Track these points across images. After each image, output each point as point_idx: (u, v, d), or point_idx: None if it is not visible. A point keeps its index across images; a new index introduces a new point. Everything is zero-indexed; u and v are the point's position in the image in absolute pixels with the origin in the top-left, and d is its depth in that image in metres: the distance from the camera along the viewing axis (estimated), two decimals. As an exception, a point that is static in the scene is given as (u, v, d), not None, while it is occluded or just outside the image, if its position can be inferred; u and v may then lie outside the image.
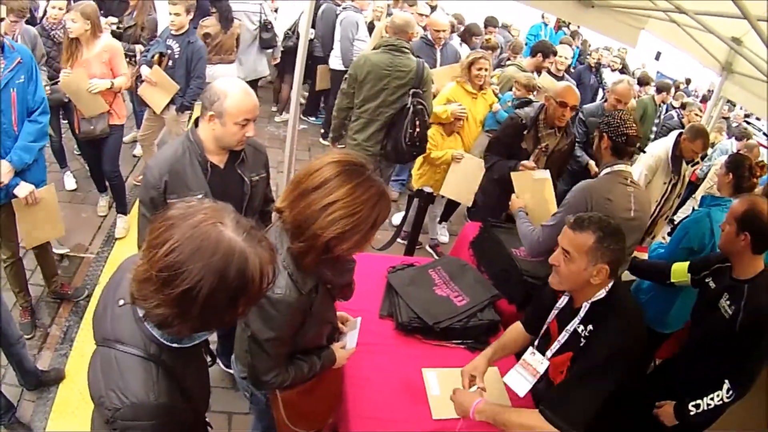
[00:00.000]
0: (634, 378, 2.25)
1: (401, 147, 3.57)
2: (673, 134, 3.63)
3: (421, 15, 5.78)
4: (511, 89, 4.51)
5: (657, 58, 15.92)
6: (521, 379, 1.91)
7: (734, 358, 2.09)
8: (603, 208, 2.26)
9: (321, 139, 6.27)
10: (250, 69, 5.50)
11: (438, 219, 4.60)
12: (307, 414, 1.80)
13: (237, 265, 1.00)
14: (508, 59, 5.89)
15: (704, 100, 10.21)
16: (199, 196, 1.93)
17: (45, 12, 4.00)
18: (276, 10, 5.73)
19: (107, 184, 4.04)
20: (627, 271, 2.83)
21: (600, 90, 7.23)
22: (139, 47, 4.47)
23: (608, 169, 2.51)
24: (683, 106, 6.33)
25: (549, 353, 1.85)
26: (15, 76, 2.54)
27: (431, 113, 3.69)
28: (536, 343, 1.95)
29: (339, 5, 5.89)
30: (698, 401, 2.13)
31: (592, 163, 3.86)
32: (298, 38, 4.95)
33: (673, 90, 7.17)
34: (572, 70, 6.72)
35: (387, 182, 4.34)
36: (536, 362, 1.89)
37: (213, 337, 2.86)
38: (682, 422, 2.20)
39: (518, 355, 2.02)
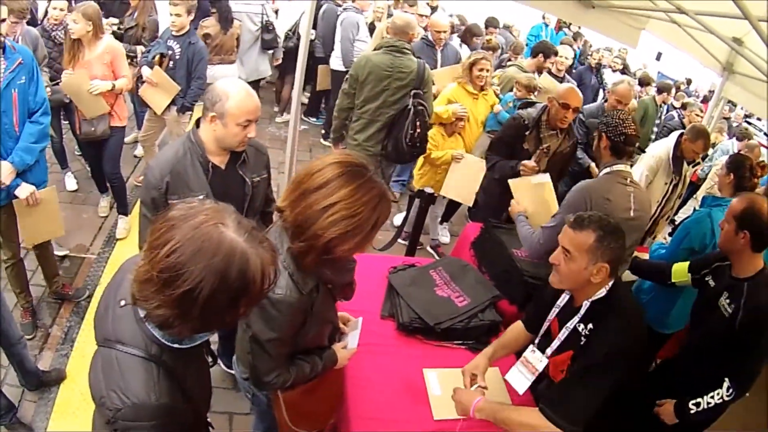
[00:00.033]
0: (634, 378, 2.25)
1: (402, 147, 3.58)
2: (674, 135, 3.62)
3: (422, 16, 5.78)
4: (511, 90, 4.51)
5: (658, 58, 15.89)
6: (521, 377, 1.93)
7: (734, 356, 2.09)
8: (602, 208, 2.26)
9: (322, 140, 6.27)
10: (251, 69, 5.50)
11: (439, 219, 4.61)
12: (308, 414, 1.81)
13: (238, 266, 1.00)
14: (509, 60, 5.89)
15: (705, 100, 10.21)
16: (201, 197, 1.94)
17: (46, 13, 4.01)
18: (276, 12, 5.74)
19: (108, 184, 4.05)
20: (628, 270, 2.83)
21: (601, 91, 7.23)
22: (140, 48, 4.48)
23: (607, 169, 2.51)
24: (684, 106, 6.33)
25: (549, 351, 1.86)
26: (16, 76, 2.54)
27: (432, 114, 3.70)
28: (537, 341, 1.96)
29: (340, 6, 5.89)
30: (698, 400, 2.13)
31: (593, 165, 3.86)
32: (298, 39, 4.96)
33: (673, 90, 7.17)
34: (573, 71, 6.72)
35: (388, 181, 4.34)
36: (535, 360, 1.90)
37: (214, 338, 2.86)
38: (683, 421, 2.20)
39: (519, 354, 2.02)
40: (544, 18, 8.95)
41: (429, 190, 3.34)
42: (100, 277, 3.60)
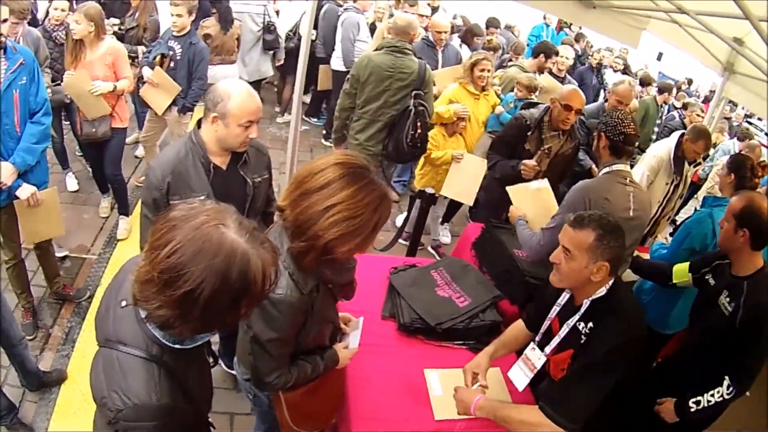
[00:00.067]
0: (634, 377, 2.26)
1: (402, 148, 3.58)
2: (675, 135, 3.62)
3: (422, 16, 5.78)
4: (512, 90, 4.50)
5: (659, 58, 15.89)
6: (521, 374, 1.94)
7: (734, 354, 2.09)
8: (601, 208, 2.25)
9: (323, 140, 6.27)
10: (253, 70, 5.50)
11: (440, 220, 4.61)
12: (310, 414, 1.81)
13: (239, 267, 1.00)
14: (510, 60, 5.88)
15: (706, 100, 10.22)
16: (202, 198, 1.94)
17: (47, 13, 4.01)
18: (277, 12, 5.74)
19: (109, 185, 4.05)
20: (629, 270, 2.83)
21: (602, 91, 7.22)
22: (141, 48, 4.48)
23: (607, 169, 2.51)
24: (685, 106, 6.33)
25: (548, 349, 1.87)
26: (17, 77, 2.54)
27: (432, 114, 3.69)
28: (537, 339, 1.97)
29: (341, 6, 5.89)
30: (699, 398, 2.14)
31: (595, 167, 3.85)
32: (299, 39, 4.96)
33: (674, 90, 7.16)
34: (574, 71, 6.72)
35: (389, 181, 4.35)
36: (535, 357, 1.91)
37: (215, 338, 2.86)
38: (683, 419, 2.21)
39: (519, 353, 2.02)
40: (545, 18, 8.96)
41: (430, 190, 3.35)
42: (101, 278, 3.61)
